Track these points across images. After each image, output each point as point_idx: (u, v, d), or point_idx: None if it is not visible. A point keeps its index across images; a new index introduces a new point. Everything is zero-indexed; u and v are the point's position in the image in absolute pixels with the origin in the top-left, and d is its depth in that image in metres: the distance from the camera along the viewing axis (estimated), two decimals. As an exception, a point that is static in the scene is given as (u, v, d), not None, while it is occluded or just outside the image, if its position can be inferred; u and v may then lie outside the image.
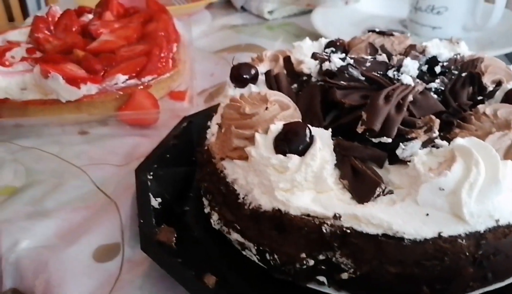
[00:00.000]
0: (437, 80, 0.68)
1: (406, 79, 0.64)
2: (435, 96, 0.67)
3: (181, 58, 1.11)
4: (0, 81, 0.99)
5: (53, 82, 0.91)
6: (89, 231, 0.67)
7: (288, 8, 1.53)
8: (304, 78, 0.78)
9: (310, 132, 0.58)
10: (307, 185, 0.56)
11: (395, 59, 0.69)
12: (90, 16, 1.22)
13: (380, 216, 0.52)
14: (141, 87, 0.98)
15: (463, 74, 0.70)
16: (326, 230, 0.53)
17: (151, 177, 0.73)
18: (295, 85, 0.77)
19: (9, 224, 0.70)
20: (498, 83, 0.68)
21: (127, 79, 0.96)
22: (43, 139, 0.92)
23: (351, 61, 0.69)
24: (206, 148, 0.70)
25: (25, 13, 2.42)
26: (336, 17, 1.37)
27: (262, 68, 0.81)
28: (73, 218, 0.71)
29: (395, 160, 0.58)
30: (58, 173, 0.82)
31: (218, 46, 1.32)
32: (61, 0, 2.32)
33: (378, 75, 0.68)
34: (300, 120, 0.63)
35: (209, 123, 0.77)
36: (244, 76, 0.74)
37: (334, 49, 0.83)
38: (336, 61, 0.70)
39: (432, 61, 0.73)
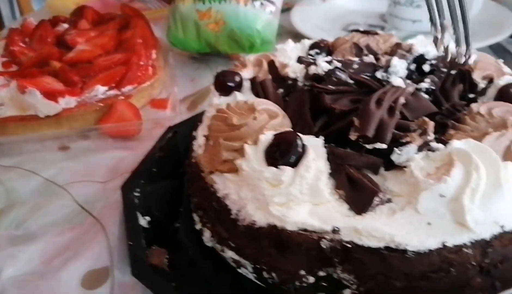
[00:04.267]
0: (427, 80, 0.66)
1: (396, 80, 0.62)
2: (426, 96, 0.65)
3: (160, 64, 1.08)
4: (-24, 97, 0.95)
5: (30, 97, 0.87)
6: (76, 256, 0.64)
7: (266, 7, 1.50)
8: (290, 82, 0.75)
9: (302, 141, 0.56)
10: (302, 198, 0.53)
11: (383, 59, 0.67)
12: (66, 25, 1.17)
13: (381, 228, 0.50)
14: (122, 97, 0.95)
15: (453, 72, 0.68)
16: (325, 245, 0.51)
17: (138, 194, 0.70)
18: (281, 90, 0.74)
19: (-8, 250, 0.66)
20: (490, 80, 0.67)
21: (106, 90, 0.93)
22: (23, 157, 0.88)
23: (338, 64, 0.67)
24: (194, 161, 0.68)
25: (0, 24, 2.35)
26: (314, 15, 1.36)
27: (245, 73, 0.78)
28: (58, 242, 0.68)
29: (391, 166, 0.57)
30: (40, 193, 0.79)
31: (198, 49, 1.29)
32: (36, 9, 2.25)
33: (367, 77, 0.66)
34: (290, 129, 0.61)
35: (194, 133, 0.74)
36: (229, 84, 0.72)
37: (318, 51, 0.81)
38: (323, 64, 0.67)
39: (420, 59, 0.71)
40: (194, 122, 0.82)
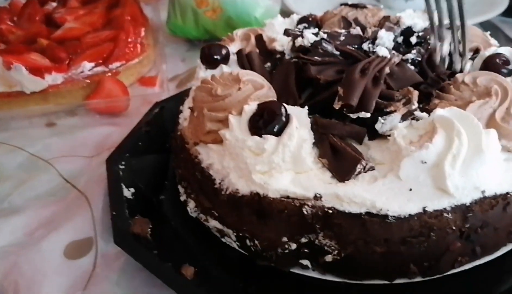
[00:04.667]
0: (413, 51, 0.66)
1: (382, 51, 0.62)
2: (412, 67, 0.65)
3: (150, 43, 1.07)
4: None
5: (16, 74, 0.87)
6: (59, 227, 0.64)
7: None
8: (278, 56, 0.75)
9: (286, 111, 0.55)
10: (285, 166, 0.53)
11: (369, 31, 0.67)
12: (54, 4, 1.16)
13: (362, 194, 0.50)
14: (109, 74, 0.94)
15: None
16: (307, 211, 0.51)
17: (123, 166, 0.69)
18: (269, 64, 0.74)
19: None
20: (476, 51, 0.67)
21: (93, 66, 0.92)
22: (10, 133, 0.88)
23: (325, 36, 0.66)
24: (179, 133, 0.67)
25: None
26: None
27: (233, 47, 0.77)
28: (42, 214, 0.68)
29: (375, 135, 0.56)
30: (25, 168, 0.79)
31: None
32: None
33: (353, 48, 0.66)
34: (275, 99, 0.61)
35: (181, 107, 0.74)
36: (215, 57, 0.71)
37: (306, 25, 0.80)
38: (309, 36, 0.67)
39: (407, 31, 0.70)
40: (181, 98, 0.82)
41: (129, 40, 0.98)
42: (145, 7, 1.23)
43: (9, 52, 0.92)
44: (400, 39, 0.71)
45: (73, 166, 0.78)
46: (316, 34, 0.68)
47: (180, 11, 1.11)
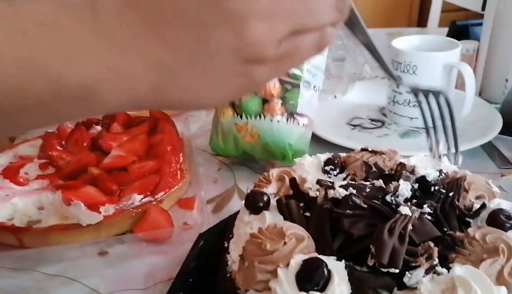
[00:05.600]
0: (429, 203, 0.77)
1: (405, 210, 0.73)
2: (429, 217, 0.76)
3: (186, 167, 1.19)
4: (17, 202, 1.06)
5: (75, 209, 0.97)
6: None
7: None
8: (310, 197, 0.86)
9: (327, 267, 0.66)
10: (329, 320, 0.63)
11: (391, 186, 0.79)
12: (99, 127, 1.30)
13: None
14: (154, 202, 1.05)
15: (450, 194, 0.80)
16: None
17: (180, 306, 0.79)
18: (301, 204, 0.85)
19: None
20: (482, 203, 0.78)
21: (142, 198, 1.03)
22: (65, 264, 0.96)
23: (354, 191, 0.78)
24: (228, 275, 0.77)
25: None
26: (326, 109, 1.47)
27: (270, 189, 0.89)
28: None
29: (402, 286, 0.67)
30: (85, 302, 0.87)
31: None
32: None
33: (378, 202, 0.77)
34: (315, 252, 0.72)
35: (225, 244, 0.84)
36: (259, 204, 0.82)
37: (333, 167, 0.92)
38: (340, 190, 0.79)
39: (422, 182, 0.83)
40: (222, 228, 0.92)
41: (172, 169, 1.10)
42: (176, 121, 1.36)
43: (67, 188, 1.03)
44: (416, 185, 0.83)
45: (129, 300, 0.87)
46: (345, 187, 0.80)
47: (222, 135, 1.24)
